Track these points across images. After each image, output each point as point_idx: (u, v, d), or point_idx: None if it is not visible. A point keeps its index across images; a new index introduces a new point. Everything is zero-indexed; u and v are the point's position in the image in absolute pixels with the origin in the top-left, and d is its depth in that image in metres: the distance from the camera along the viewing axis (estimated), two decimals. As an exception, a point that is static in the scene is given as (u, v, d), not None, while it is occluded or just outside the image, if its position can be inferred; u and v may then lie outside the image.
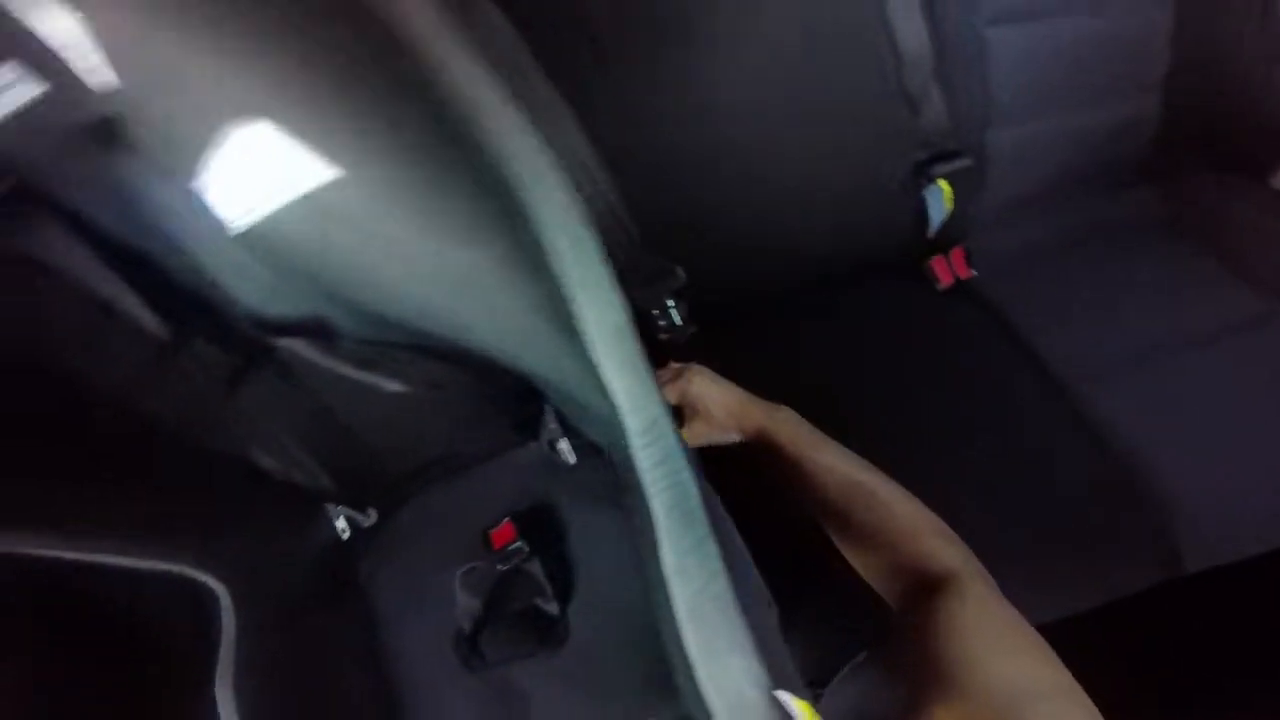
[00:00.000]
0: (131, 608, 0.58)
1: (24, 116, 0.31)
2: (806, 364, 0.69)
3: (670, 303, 0.58)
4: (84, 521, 0.43)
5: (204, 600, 0.52)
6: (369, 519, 0.62)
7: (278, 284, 0.42)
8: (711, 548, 0.38)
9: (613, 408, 0.38)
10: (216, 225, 0.38)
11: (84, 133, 0.33)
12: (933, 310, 0.76)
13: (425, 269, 0.30)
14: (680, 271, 0.53)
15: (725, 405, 0.55)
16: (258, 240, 0.35)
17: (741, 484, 0.53)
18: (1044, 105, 0.62)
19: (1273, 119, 0.76)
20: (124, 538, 0.46)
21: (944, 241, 0.74)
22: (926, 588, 0.41)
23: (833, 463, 0.50)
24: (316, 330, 0.45)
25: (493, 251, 0.29)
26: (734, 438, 0.56)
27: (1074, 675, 0.36)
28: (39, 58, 0.30)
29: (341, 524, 0.62)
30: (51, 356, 0.43)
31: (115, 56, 0.28)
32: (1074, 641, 0.39)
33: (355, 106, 0.26)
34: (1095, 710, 0.34)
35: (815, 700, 0.36)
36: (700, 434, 0.56)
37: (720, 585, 0.37)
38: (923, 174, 0.63)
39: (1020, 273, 0.76)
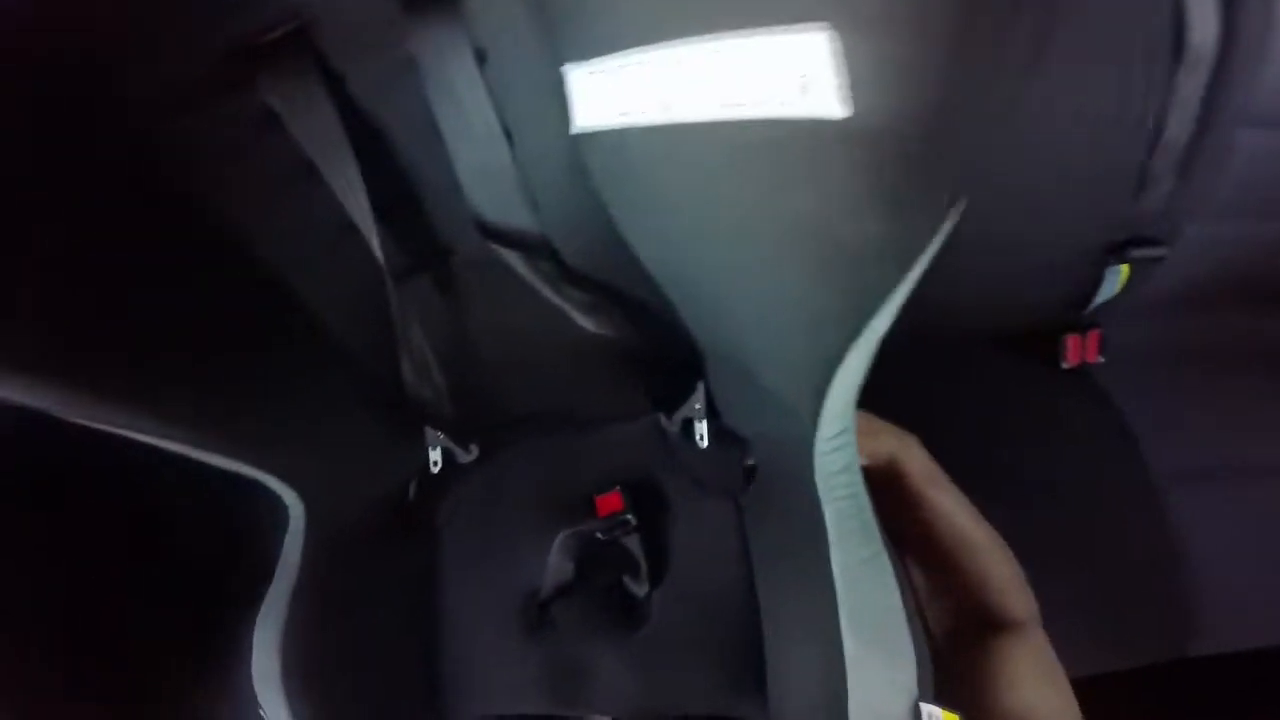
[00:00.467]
0: (190, 513, 0.55)
1: None
2: (916, 408, 0.68)
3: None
4: (180, 404, 0.40)
5: (268, 521, 0.49)
6: (469, 455, 0.59)
7: (534, 192, 0.40)
8: (887, 561, 0.38)
9: (815, 406, 0.37)
10: (499, 117, 0.36)
11: None
12: (1052, 386, 0.75)
13: (800, 226, 0.27)
14: None
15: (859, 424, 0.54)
16: (590, 148, 0.32)
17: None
18: (1250, 208, 0.61)
19: None
20: (218, 431, 0.42)
21: (1083, 321, 0.73)
22: (987, 628, 0.42)
23: (953, 507, 0.48)
24: (536, 247, 0.42)
25: (889, 233, 0.26)
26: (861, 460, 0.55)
27: None
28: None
29: (436, 455, 0.59)
30: (230, 213, 0.40)
31: None
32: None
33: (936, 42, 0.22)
34: None
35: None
36: None
37: (894, 599, 0.37)
38: (1114, 253, 0.61)
39: (1147, 368, 0.75)
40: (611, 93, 0.27)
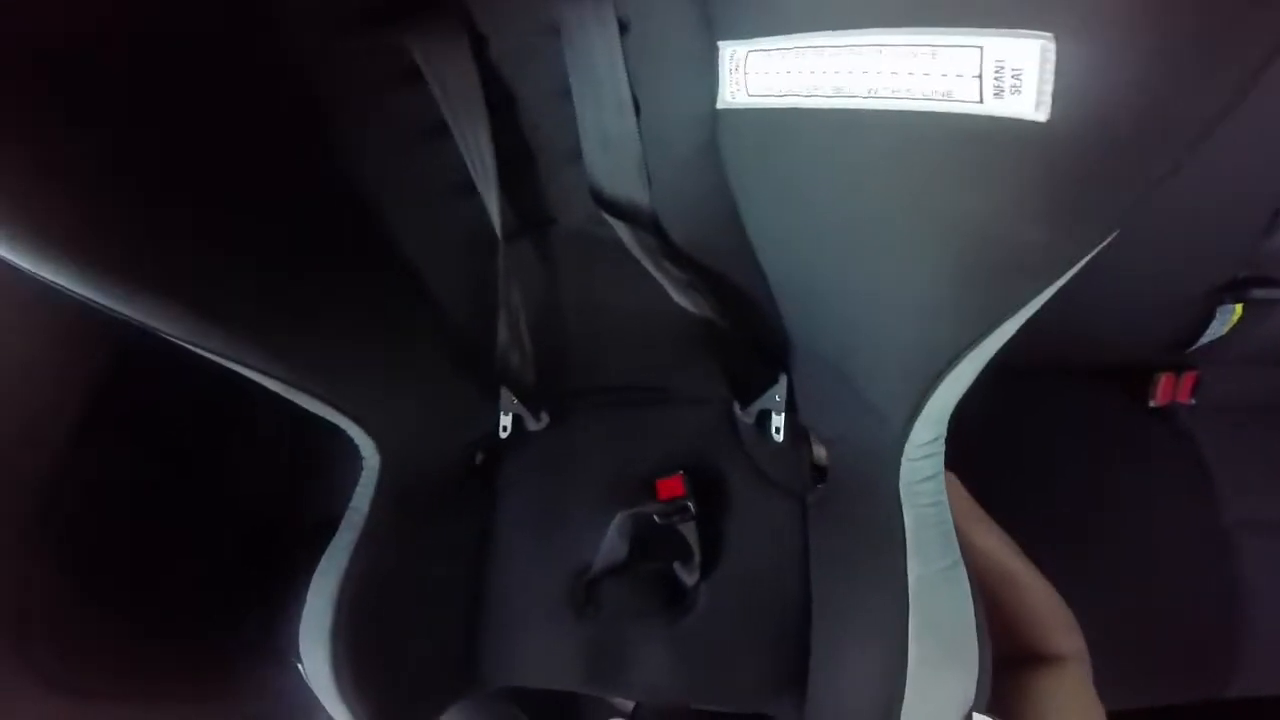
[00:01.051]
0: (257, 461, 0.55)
1: None
2: (998, 431, 0.67)
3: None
4: (290, 340, 0.41)
5: (336, 471, 0.50)
6: (540, 423, 0.59)
7: (651, 168, 0.40)
8: (963, 573, 0.38)
9: (912, 412, 0.37)
10: (630, 90, 0.35)
11: None
12: (1139, 425, 0.73)
13: (942, 221, 0.26)
14: None
15: None
16: (729, 126, 0.31)
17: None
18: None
19: None
20: (315, 370, 0.43)
21: (1182, 361, 0.70)
22: (1028, 661, 0.42)
23: (995, 544, 0.48)
24: (645, 221, 0.42)
25: (1038, 237, 0.25)
26: None
27: None
28: None
29: (507, 420, 0.59)
30: (358, 166, 0.41)
31: None
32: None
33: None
34: None
35: None
36: None
37: (968, 609, 0.37)
38: (1231, 291, 0.58)
39: (1234, 415, 0.73)
40: (777, 72, 0.26)
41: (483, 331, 0.51)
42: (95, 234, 0.28)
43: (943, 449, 0.39)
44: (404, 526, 0.51)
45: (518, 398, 0.57)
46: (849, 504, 0.48)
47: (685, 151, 0.38)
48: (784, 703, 0.52)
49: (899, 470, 0.39)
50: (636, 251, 0.42)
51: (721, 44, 0.30)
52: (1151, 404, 0.71)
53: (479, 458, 0.61)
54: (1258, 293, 0.58)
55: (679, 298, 0.44)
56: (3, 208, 0.25)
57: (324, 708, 0.47)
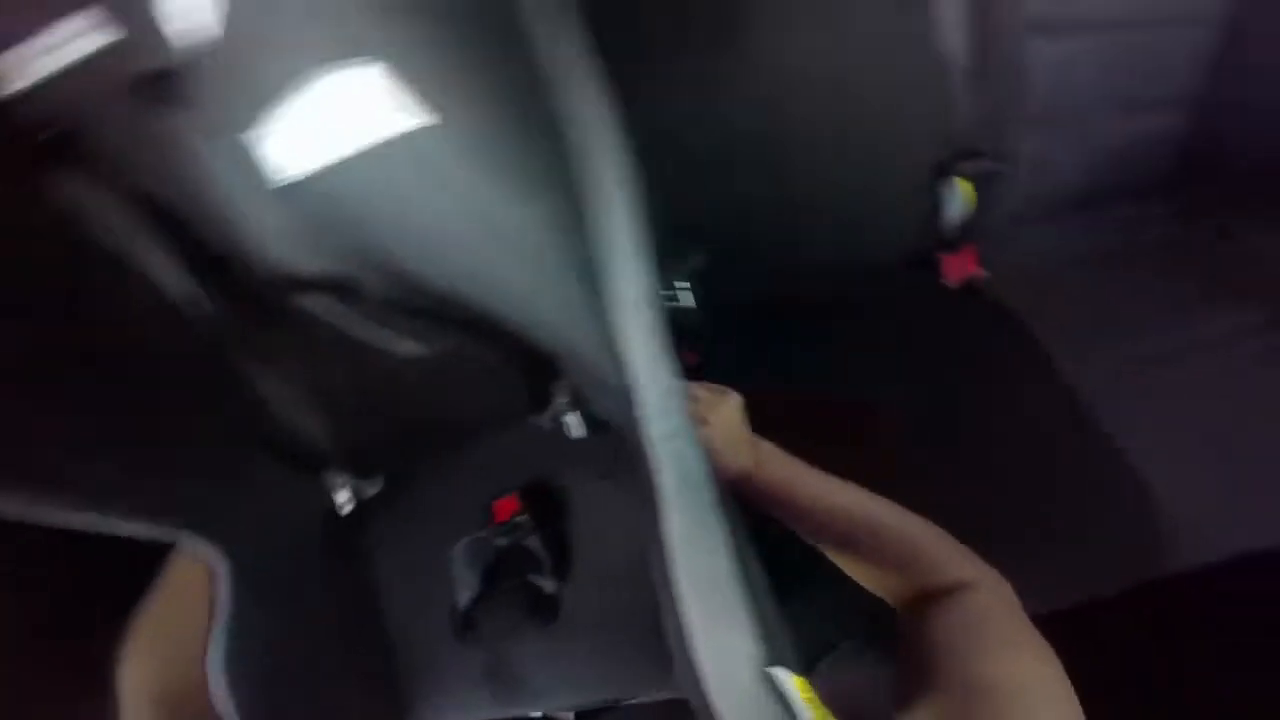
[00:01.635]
0: (125, 578, 0.57)
1: (85, 65, 0.30)
2: (818, 356, 0.70)
3: (684, 284, 0.58)
4: (88, 485, 0.43)
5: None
6: (375, 486, 0.62)
7: (312, 240, 0.42)
8: (716, 523, 0.39)
9: (629, 379, 0.38)
10: (259, 178, 0.38)
11: (138, 85, 0.32)
12: (942, 308, 0.76)
13: (484, 221, 0.30)
14: (698, 257, 0.53)
15: (728, 439, 0.52)
16: (313, 191, 0.34)
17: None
18: (1073, 113, 0.62)
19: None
20: (129, 505, 0.45)
21: (954, 239, 0.74)
22: (935, 596, 0.41)
23: (843, 499, 0.48)
24: (341, 289, 0.44)
25: (544, 210, 0.29)
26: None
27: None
28: (123, 5, 0.29)
29: (344, 496, 0.62)
30: (68, 304, 0.43)
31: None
32: (1059, 637, 0.39)
33: (458, 53, 0.25)
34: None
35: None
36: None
37: (723, 560, 0.38)
38: (944, 171, 0.62)
39: (1035, 278, 0.76)
40: (292, 139, 0.30)
41: (271, 422, 0.53)
42: None
43: (676, 407, 0.40)
44: (269, 602, 0.53)
45: (340, 471, 0.60)
46: (634, 476, 0.51)
47: (323, 223, 0.41)
48: (669, 679, 0.54)
49: (648, 429, 0.40)
50: (341, 321, 0.45)
51: (242, 138, 0.33)
52: (951, 286, 0.75)
53: (334, 530, 0.63)
54: (965, 165, 0.62)
55: (406, 347, 0.46)
56: None
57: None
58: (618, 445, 0.59)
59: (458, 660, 0.59)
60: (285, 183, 0.33)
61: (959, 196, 0.64)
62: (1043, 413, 0.69)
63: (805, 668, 0.43)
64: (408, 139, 0.27)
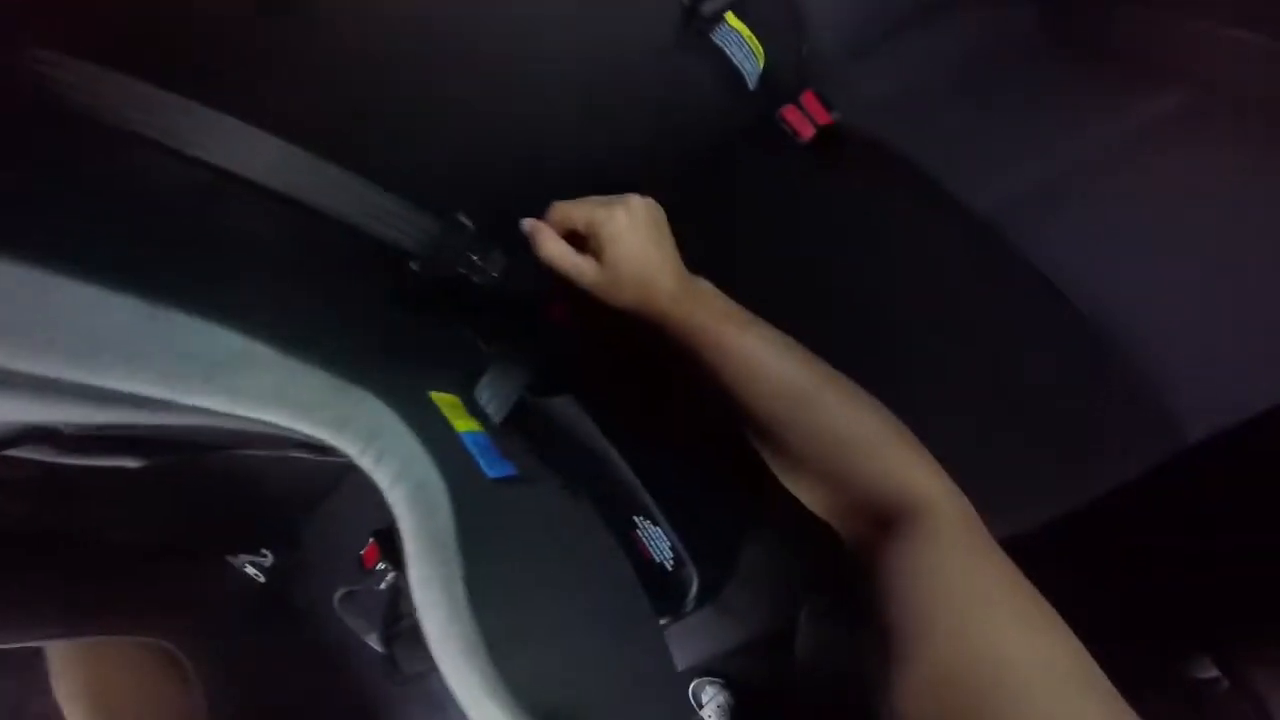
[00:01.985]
0: None
1: None
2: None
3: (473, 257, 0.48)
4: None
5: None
6: (267, 559, 0.65)
7: None
8: (456, 572, 0.29)
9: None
10: None
11: None
12: (806, 169, 0.62)
13: None
14: (463, 219, 0.44)
15: (639, 264, 0.39)
16: None
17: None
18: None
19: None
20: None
21: (792, 93, 0.58)
22: (892, 521, 0.34)
23: (770, 358, 0.38)
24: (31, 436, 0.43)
25: None
26: (625, 303, 0.41)
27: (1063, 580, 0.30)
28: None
29: (250, 572, 0.65)
30: None
31: None
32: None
33: None
34: (1109, 689, 0.27)
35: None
36: (593, 281, 0.40)
37: (466, 624, 0.28)
38: (695, 19, 0.46)
39: (893, 109, 0.60)
40: None
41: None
42: None
43: (396, 438, 0.28)
44: (240, 693, 0.60)
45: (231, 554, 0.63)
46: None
47: None
48: None
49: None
50: (57, 460, 0.44)
51: None
52: (803, 142, 0.60)
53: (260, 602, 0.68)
54: (708, 5, 0.45)
55: (129, 462, 0.45)
56: None
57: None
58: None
59: (403, 697, 0.64)
60: None
61: (740, 38, 0.49)
62: (963, 262, 0.56)
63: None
64: None
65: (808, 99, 0.59)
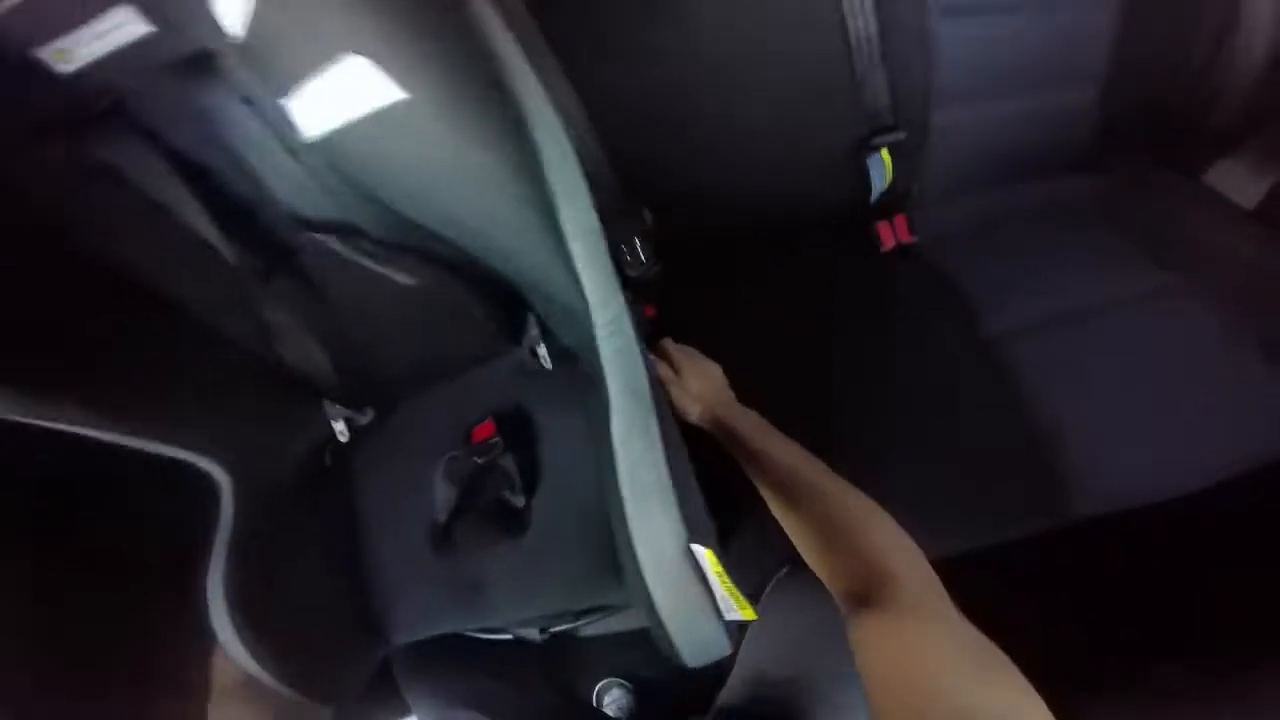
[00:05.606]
0: (133, 497, 0.63)
1: (133, 49, 0.39)
2: (757, 317, 0.78)
3: (636, 241, 0.66)
4: (108, 400, 0.50)
5: (204, 491, 0.58)
6: (366, 417, 0.71)
7: (322, 188, 0.51)
8: (653, 423, 0.46)
9: (585, 302, 0.46)
10: (280, 139, 0.47)
11: (180, 64, 0.41)
12: (876, 271, 0.85)
13: (454, 168, 0.40)
14: (648, 214, 0.61)
15: (702, 384, 0.63)
16: (323, 149, 0.43)
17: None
18: (985, 91, 0.70)
19: (1205, 121, 0.84)
20: (141, 420, 0.52)
21: (890, 210, 0.83)
22: (867, 591, 0.41)
23: (784, 457, 0.54)
24: (345, 229, 0.53)
25: (501, 155, 0.39)
26: (694, 413, 0.62)
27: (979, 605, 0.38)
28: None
29: (340, 425, 0.70)
30: (110, 248, 0.52)
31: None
32: (971, 575, 0.43)
33: (427, 44, 0.36)
34: None
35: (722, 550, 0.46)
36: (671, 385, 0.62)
37: (657, 456, 0.45)
38: (865, 146, 0.71)
39: (960, 242, 0.85)
40: (311, 109, 0.39)
41: (277, 357, 0.62)
42: None
43: (626, 328, 0.48)
44: (267, 523, 0.61)
45: (336, 402, 0.69)
46: (593, 399, 0.59)
47: (326, 173, 0.50)
48: (614, 591, 0.61)
49: (600, 345, 0.48)
50: (350, 255, 0.54)
51: (280, 102, 0.42)
52: (883, 251, 0.84)
53: (328, 458, 0.72)
54: (880, 140, 0.71)
55: (404, 279, 0.55)
56: None
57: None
58: (579, 374, 0.69)
59: (428, 575, 0.67)
60: (307, 140, 0.43)
61: (883, 168, 0.73)
62: (958, 359, 0.76)
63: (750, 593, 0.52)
64: (391, 108, 0.37)
65: (900, 220, 0.83)
